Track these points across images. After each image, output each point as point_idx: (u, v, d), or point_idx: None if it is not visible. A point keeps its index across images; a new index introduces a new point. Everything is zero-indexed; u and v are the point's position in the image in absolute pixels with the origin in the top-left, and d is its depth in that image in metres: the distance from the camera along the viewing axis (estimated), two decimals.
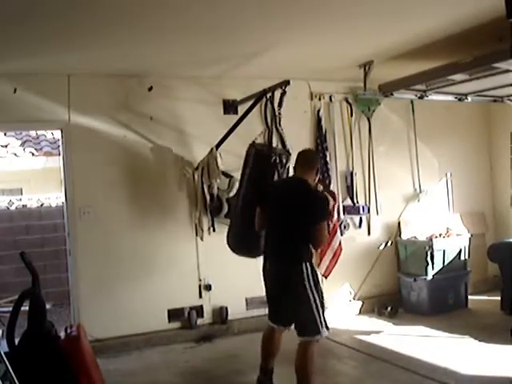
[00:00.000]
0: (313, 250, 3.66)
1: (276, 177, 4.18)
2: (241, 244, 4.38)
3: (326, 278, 5.94)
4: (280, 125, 4.45)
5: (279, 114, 4.45)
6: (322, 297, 3.60)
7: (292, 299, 3.57)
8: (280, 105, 4.49)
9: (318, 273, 5.08)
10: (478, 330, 5.07)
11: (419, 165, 6.50)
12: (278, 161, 4.21)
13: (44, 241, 7.80)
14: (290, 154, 4.28)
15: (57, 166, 6.31)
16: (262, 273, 3.79)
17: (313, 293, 3.49)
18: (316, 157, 4.01)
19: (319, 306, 3.51)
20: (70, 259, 5.17)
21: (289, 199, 3.68)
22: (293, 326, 3.68)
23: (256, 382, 3.87)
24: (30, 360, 2.87)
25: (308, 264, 3.53)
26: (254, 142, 4.39)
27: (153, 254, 5.31)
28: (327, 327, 3.55)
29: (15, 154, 9.33)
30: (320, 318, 3.50)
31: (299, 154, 3.85)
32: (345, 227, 6.06)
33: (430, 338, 5.05)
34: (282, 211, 3.67)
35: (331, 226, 3.67)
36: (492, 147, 7.00)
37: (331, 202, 3.71)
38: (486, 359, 4.34)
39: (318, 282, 3.60)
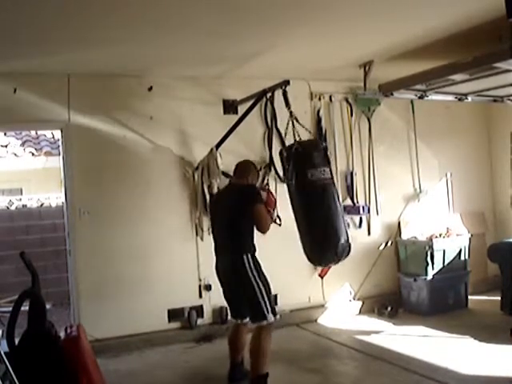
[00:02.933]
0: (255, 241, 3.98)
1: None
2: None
3: (322, 278, 5.96)
4: (298, 122, 4.33)
5: (291, 115, 4.41)
6: (268, 284, 3.91)
7: (239, 290, 3.94)
8: (288, 105, 4.44)
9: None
10: (477, 330, 5.07)
11: (419, 165, 6.51)
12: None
13: (44, 241, 7.81)
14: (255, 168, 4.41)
15: (57, 166, 6.31)
16: (215, 271, 4.16)
17: (257, 281, 3.83)
18: (249, 166, 4.30)
19: (264, 293, 3.83)
20: (70, 259, 5.17)
21: (225, 200, 4.16)
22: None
23: (227, 377, 4.16)
24: (30, 360, 2.87)
25: (249, 255, 3.88)
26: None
27: (153, 254, 5.31)
28: (274, 313, 3.87)
29: (15, 154, 9.34)
30: (266, 304, 3.82)
31: (236, 166, 4.28)
32: None
33: (430, 338, 5.05)
34: (221, 212, 4.12)
35: (274, 216, 4.20)
36: (492, 147, 7.01)
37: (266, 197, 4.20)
38: (485, 359, 4.33)
39: (261, 270, 3.90)
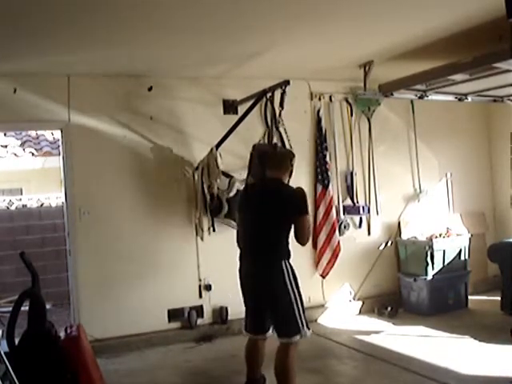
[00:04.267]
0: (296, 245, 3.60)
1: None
2: None
3: (323, 277, 5.96)
4: (283, 124, 4.40)
5: (279, 115, 4.45)
6: (301, 295, 3.51)
7: (273, 299, 3.48)
8: (281, 105, 4.48)
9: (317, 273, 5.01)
10: (477, 330, 5.07)
11: (419, 165, 6.50)
12: None
13: (44, 241, 7.81)
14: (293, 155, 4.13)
15: (57, 166, 6.31)
16: (238, 277, 3.69)
17: (293, 291, 3.43)
18: (289, 156, 3.83)
19: (300, 305, 3.44)
20: (70, 259, 5.17)
21: (264, 199, 3.62)
22: (271, 330, 3.61)
23: None
24: (29, 360, 2.87)
25: (287, 262, 3.48)
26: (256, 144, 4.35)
27: (153, 254, 5.31)
28: (308, 327, 3.47)
29: (15, 154, 9.33)
30: (301, 317, 3.43)
31: (269, 155, 3.85)
32: (345, 227, 6.07)
33: (430, 338, 5.05)
34: (258, 212, 3.60)
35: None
36: (492, 147, 7.00)
37: None
38: (485, 359, 4.34)
39: (297, 280, 3.51)
